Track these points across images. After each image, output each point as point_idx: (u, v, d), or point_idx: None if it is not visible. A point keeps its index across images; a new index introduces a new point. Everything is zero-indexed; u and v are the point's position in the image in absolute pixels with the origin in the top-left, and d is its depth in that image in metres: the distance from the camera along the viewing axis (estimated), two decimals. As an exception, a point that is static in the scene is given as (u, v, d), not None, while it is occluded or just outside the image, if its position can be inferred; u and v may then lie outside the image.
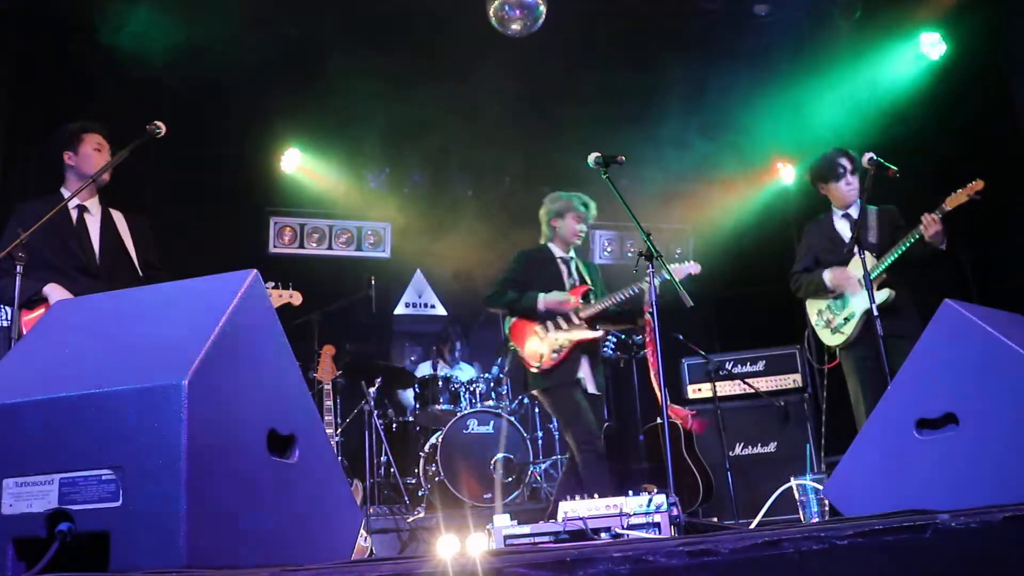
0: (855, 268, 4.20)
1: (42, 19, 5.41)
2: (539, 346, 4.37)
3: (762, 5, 6.26)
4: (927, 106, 5.90)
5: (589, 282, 4.59)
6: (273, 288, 4.40)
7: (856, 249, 3.90)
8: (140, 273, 3.85)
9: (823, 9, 6.26)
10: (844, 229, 4.42)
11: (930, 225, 3.97)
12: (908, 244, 4.06)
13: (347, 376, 5.84)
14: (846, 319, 4.25)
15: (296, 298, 4.49)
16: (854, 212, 4.38)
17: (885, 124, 5.84)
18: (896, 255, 4.09)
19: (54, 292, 3.54)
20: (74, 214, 3.79)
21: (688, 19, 6.41)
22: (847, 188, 4.36)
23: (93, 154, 3.82)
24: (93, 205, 3.86)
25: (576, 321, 4.38)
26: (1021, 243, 5.38)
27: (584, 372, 4.38)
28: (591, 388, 4.39)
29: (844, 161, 4.35)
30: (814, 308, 4.46)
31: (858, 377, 4.24)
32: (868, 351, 4.12)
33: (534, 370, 4.39)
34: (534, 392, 4.61)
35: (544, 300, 4.39)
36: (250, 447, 1.73)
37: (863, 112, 6.03)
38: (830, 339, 4.36)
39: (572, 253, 4.65)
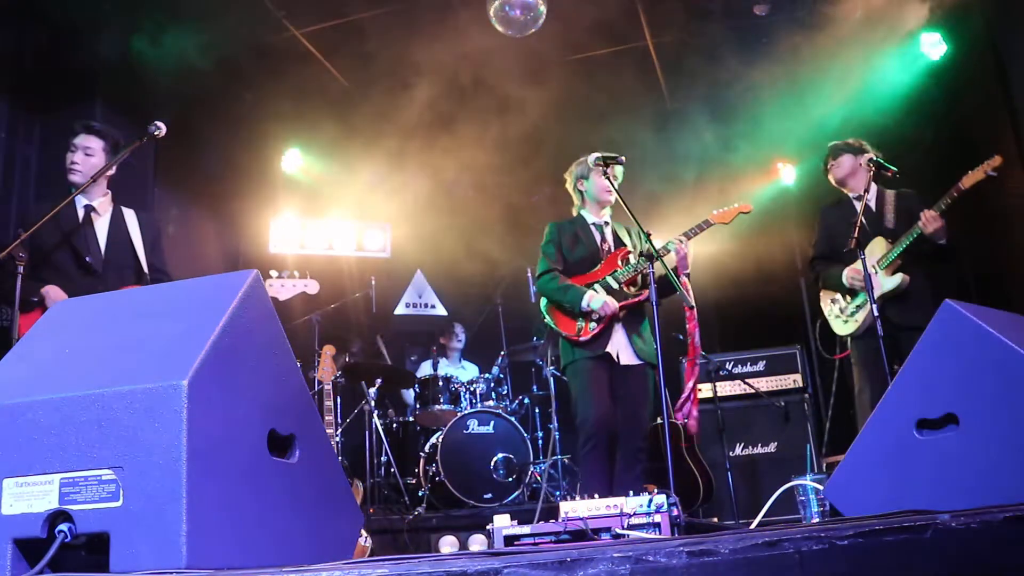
0: (869, 257, 4.21)
1: (42, 19, 5.41)
2: (578, 317, 4.20)
3: (762, 5, 6.26)
4: (927, 106, 5.90)
5: (629, 244, 4.37)
6: (288, 277, 4.17)
7: (862, 242, 3.92)
8: (146, 272, 3.83)
9: (823, 9, 6.26)
10: (859, 208, 4.37)
11: (928, 222, 4.01)
12: (910, 240, 4.09)
13: (347, 376, 5.84)
14: (858, 307, 4.25)
15: (312, 287, 4.23)
16: (871, 197, 4.40)
17: (885, 124, 5.85)
18: (899, 249, 4.13)
19: (52, 293, 3.54)
20: (81, 213, 3.77)
21: (687, 19, 6.41)
22: (857, 170, 4.41)
23: (80, 157, 3.77)
24: (103, 205, 3.85)
25: (616, 287, 4.19)
26: (1021, 243, 5.38)
27: (617, 342, 4.17)
28: (624, 359, 4.16)
29: (853, 141, 4.45)
30: (828, 297, 4.47)
31: (864, 367, 4.23)
32: (877, 341, 4.13)
33: (570, 341, 4.20)
34: (562, 374, 4.36)
35: (587, 301, 4.15)
36: (250, 447, 1.73)
37: (863, 112, 6.03)
38: (842, 328, 4.35)
39: (607, 217, 4.43)
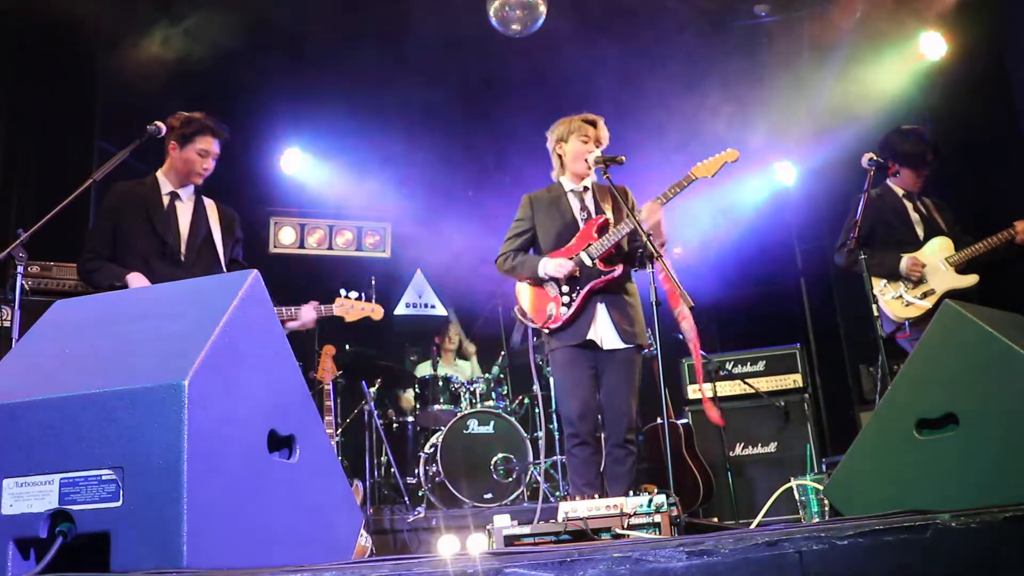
0: (932, 254, 4.36)
1: (42, 19, 5.41)
2: (548, 303, 3.84)
3: (762, 5, 6.26)
4: (927, 107, 5.90)
5: (609, 211, 3.96)
6: (356, 300, 4.14)
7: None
8: (224, 265, 3.78)
9: (823, 9, 6.27)
10: (909, 207, 4.52)
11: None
12: (995, 246, 4.24)
13: (347, 376, 5.84)
14: (925, 294, 4.34)
15: (377, 312, 4.19)
16: (918, 198, 4.54)
17: (885, 125, 5.84)
18: (979, 253, 4.26)
19: (136, 281, 3.49)
20: (166, 200, 3.74)
21: (688, 19, 6.41)
22: (918, 178, 4.49)
23: (195, 157, 3.74)
24: (185, 193, 3.81)
25: (589, 264, 3.80)
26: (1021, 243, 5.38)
27: (600, 326, 3.81)
28: (608, 343, 3.79)
29: (930, 154, 4.48)
30: (879, 282, 4.49)
31: None
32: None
33: (545, 330, 3.85)
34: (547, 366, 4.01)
35: (543, 269, 3.84)
36: (250, 447, 1.73)
37: (863, 112, 6.03)
38: (903, 311, 4.39)
39: (588, 182, 4.04)
